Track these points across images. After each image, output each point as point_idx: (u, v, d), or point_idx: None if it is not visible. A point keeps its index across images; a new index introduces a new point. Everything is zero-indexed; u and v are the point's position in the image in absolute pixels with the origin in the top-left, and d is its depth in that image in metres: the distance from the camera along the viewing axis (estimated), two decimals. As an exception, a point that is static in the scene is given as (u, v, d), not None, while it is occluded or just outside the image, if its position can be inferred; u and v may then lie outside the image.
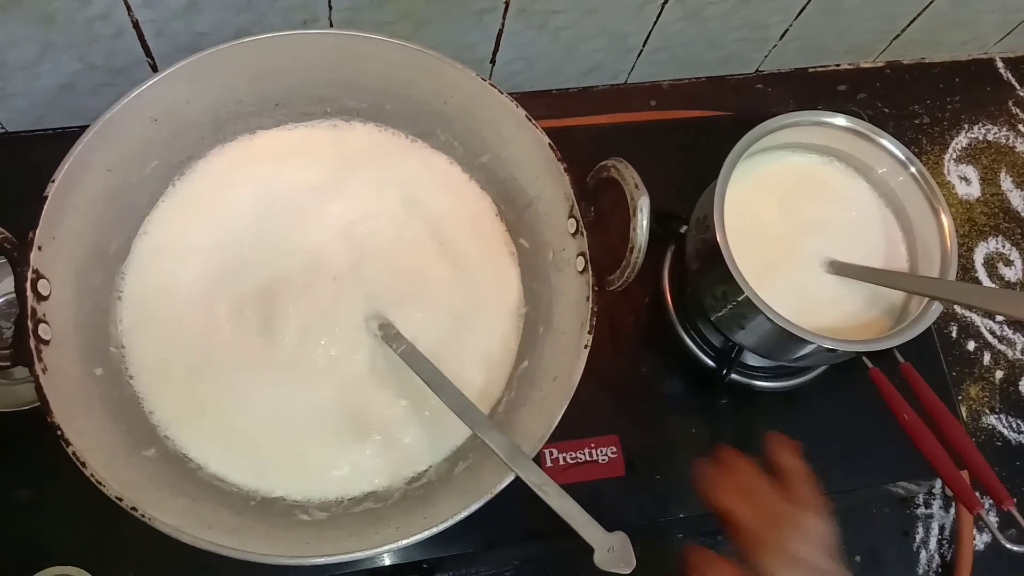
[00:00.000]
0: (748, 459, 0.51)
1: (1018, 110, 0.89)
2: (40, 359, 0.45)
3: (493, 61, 0.73)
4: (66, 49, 0.60)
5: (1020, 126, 0.89)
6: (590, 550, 0.44)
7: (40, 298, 0.47)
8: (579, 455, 0.63)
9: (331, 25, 0.64)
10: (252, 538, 0.47)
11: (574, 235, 0.54)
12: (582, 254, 0.53)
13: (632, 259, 0.50)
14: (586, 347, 0.50)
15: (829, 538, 0.48)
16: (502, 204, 0.61)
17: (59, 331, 0.48)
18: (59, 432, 0.44)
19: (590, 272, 0.53)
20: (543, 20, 0.69)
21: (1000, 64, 0.92)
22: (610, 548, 0.43)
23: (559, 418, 0.49)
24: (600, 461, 0.63)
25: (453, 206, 0.61)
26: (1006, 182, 0.86)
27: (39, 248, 0.47)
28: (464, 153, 0.62)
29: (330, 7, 0.62)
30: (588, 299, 0.52)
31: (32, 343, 0.45)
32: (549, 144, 0.54)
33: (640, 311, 0.71)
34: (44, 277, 0.47)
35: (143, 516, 0.44)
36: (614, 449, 0.63)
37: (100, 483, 0.44)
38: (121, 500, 0.44)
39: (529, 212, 0.59)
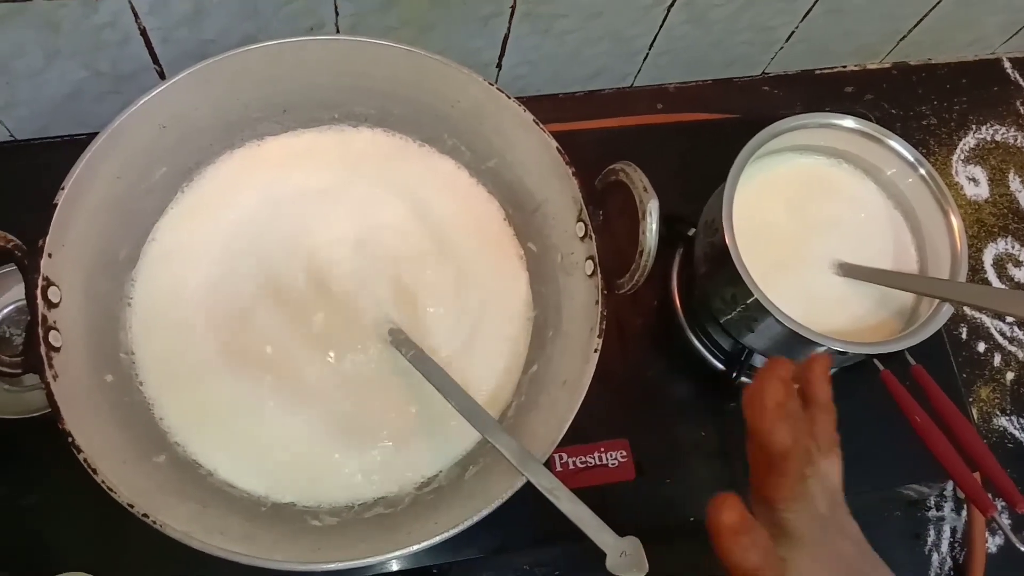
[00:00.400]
0: (828, 377, 0.45)
1: (1025, 110, 0.89)
2: (51, 366, 0.45)
3: (499, 65, 0.73)
4: (73, 56, 0.60)
5: (1028, 126, 0.88)
6: (602, 555, 0.43)
7: (50, 305, 0.47)
8: (589, 459, 0.62)
9: (337, 31, 0.64)
10: (262, 544, 0.46)
11: (582, 239, 0.54)
12: (591, 258, 0.53)
13: (641, 263, 0.50)
14: (596, 351, 0.50)
15: (839, 489, 0.43)
16: (510, 208, 0.61)
17: (69, 338, 0.48)
18: (70, 439, 0.44)
19: (599, 276, 0.52)
20: (548, 24, 0.69)
21: (1007, 64, 0.91)
22: (622, 553, 0.42)
23: (569, 422, 0.49)
24: (610, 465, 0.63)
25: (461, 210, 0.61)
26: (1015, 182, 0.86)
27: (49, 255, 0.47)
28: (471, 157, 0.61)
29: (336, 13, 0.63)
30: (597, 303, 0.52)
31: (43, 350, 0.45)
32: (557, 148, 0.54)
33: (649, 314, 0.70)
34: (54, 284, 0.47)
35: (154, 523, 0.44)
36: (624, 453, 0.63)
37: (111, 490, 0.44)
38: (132, 507, 0.44)
39: (537, 216, 0.59)
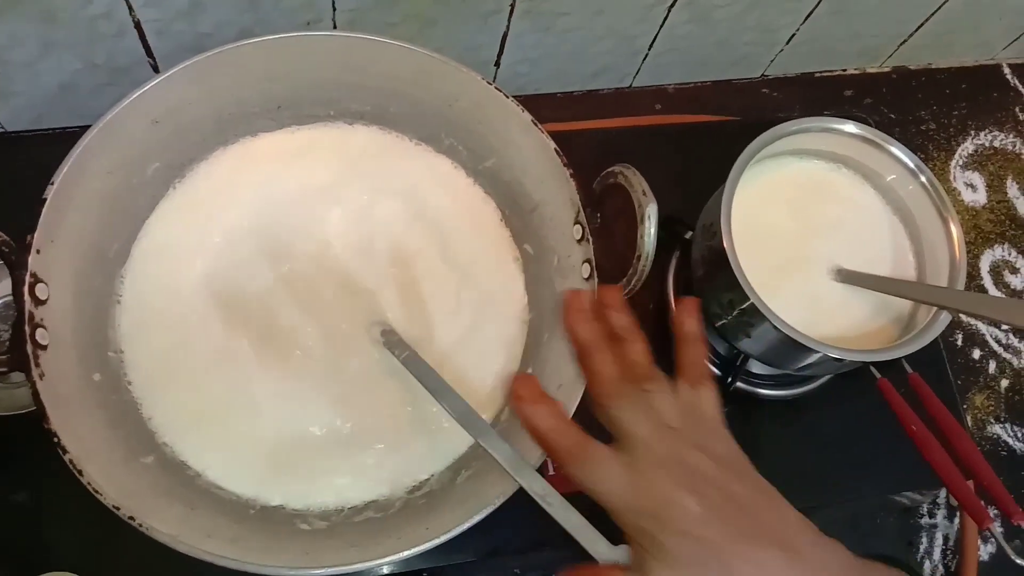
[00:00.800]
0: (625, 306, 0.46)
1: (1024, 116, 0.89)
2: (37, 364, 0.45)
3: (498, 63, 0.73)
4: (67, 48, 0.60)
5: (1027, 132, 0.88)
6: (595, 562, 0.43)
7: (38, 302, 0.46)
8: (582, 463, 0.62)
9: (335, 26, 0.64)
10: (251, 548, 0.46)
11: (580, 241, 0.53)
12: (588, 261, 0.53)
13: (639, 267, 0.50)
14: (591, 355, 0.50)
15: (710, 416, 0.42)
16: (506, 209, 0.61)
17: (57, 336, 0.47)
18: (56, 439, 0.43)
19: (596, 279, 0.52)
20: (549, 22, 0.68)
21: (1007, 70, 0.91)
22: (615, 563, 0.42)
23: (563, 427, 0.49)
24: (604, 470, 0.62)
25: (457, 210, 0.60)
26: (1012, 189, 0.85)
27: (37, 251, 0.46)
28: (468, 157, 0.61)
29: (334, 8, 0.62)
30: (594, 306, 0.51)
31: (29, 348, 0.44)
32: (555, 149, 0.54)
33: (645, 318, 0.69)
34: (42, 281, 0.47)
35: (140, 525, 0.43)
36: (618, 457, 0.62)
37: (97, 491, 0.43)
38: (118, 509, 0.43)
39: (534, 217, 0.58)
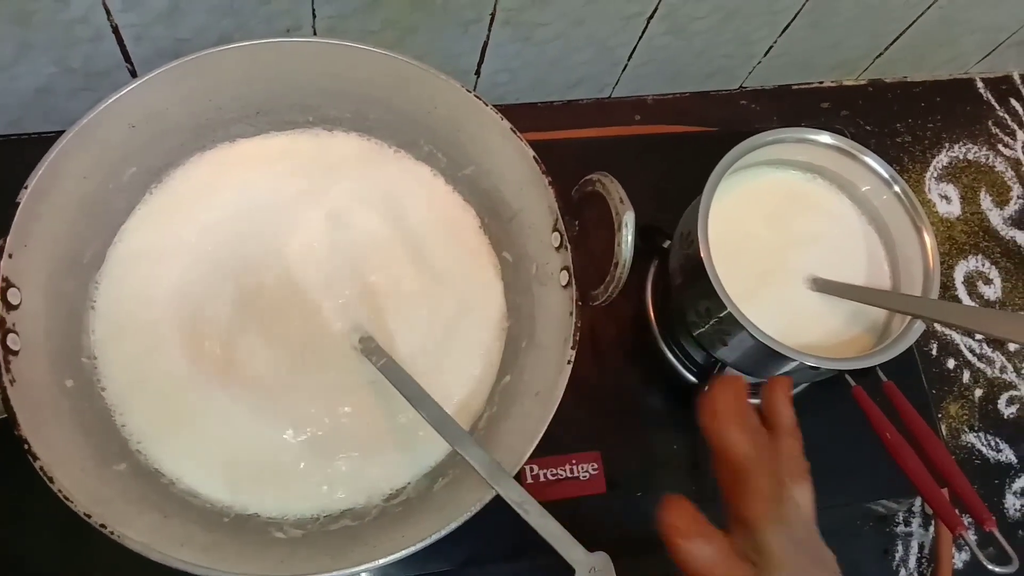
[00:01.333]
0: (791, 398, 0.42)
1: (997, 130, 0.90)
2: (8, 370, 0.44)
3: (478, 72, 0.73)
4: (44, 51, 0.59)
5: (999, 145, 0.89)
6: (572, 570, 0.43)
7: (9, 307, 0.46)
8: (560, 471, 0.62)
9: (314, 33, 0.64)
10: (225, 556, 0.45)
11: (558, 249, 0.54)
12: (566, 268, 0.53)
13: (616, 274, 0.50)
14: (569, 362, 0.50)
15: (812, 518, 0.41)
16: (485, 216, 0.61)
17: (28, 341, 0.46)
18: (26, 445, 0.43)
19: (574, 287, 0.52)
20: (529, 32, 0.68)
21: (980, 84, 0.93)
22: (592, 569, 0.42)
23: (541, 435, 0.48)
24: (581, 478, 0.62)
25: (436, 218, 0.60)
26: (986, 201, 0.87)
27: (10, 256, 0.46)
28: (448, 164, 0.61)
29: (314, 15, 0.62)
30: (571, 314, 0.51)
31: (0, 353, 0.44)
32: (534, 157, 0.54)
33: (623, 326, 0.70)
34: (14, 285, 0.46)
35: (112, 533, 0.42)
36: (595, 465, 0.62)
37: (68, 499, 0.42)
38: (90, 516, 0.42)
39: (513, 225, 0.58)
